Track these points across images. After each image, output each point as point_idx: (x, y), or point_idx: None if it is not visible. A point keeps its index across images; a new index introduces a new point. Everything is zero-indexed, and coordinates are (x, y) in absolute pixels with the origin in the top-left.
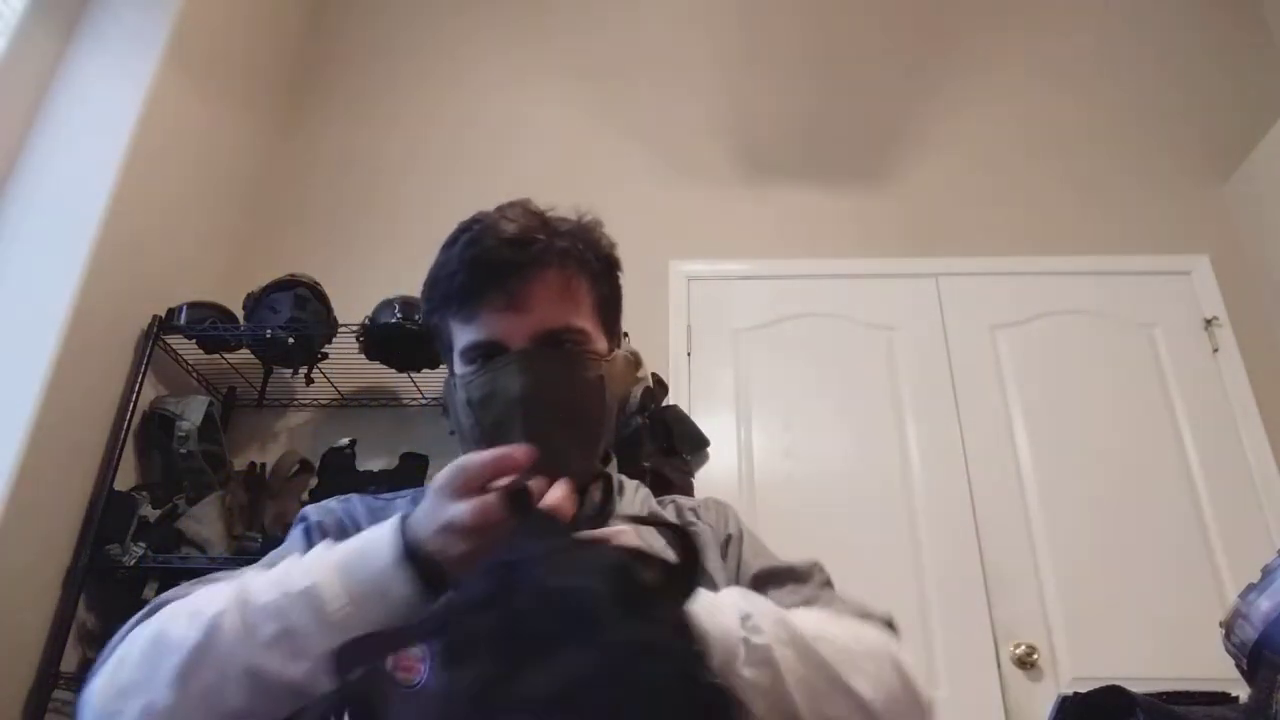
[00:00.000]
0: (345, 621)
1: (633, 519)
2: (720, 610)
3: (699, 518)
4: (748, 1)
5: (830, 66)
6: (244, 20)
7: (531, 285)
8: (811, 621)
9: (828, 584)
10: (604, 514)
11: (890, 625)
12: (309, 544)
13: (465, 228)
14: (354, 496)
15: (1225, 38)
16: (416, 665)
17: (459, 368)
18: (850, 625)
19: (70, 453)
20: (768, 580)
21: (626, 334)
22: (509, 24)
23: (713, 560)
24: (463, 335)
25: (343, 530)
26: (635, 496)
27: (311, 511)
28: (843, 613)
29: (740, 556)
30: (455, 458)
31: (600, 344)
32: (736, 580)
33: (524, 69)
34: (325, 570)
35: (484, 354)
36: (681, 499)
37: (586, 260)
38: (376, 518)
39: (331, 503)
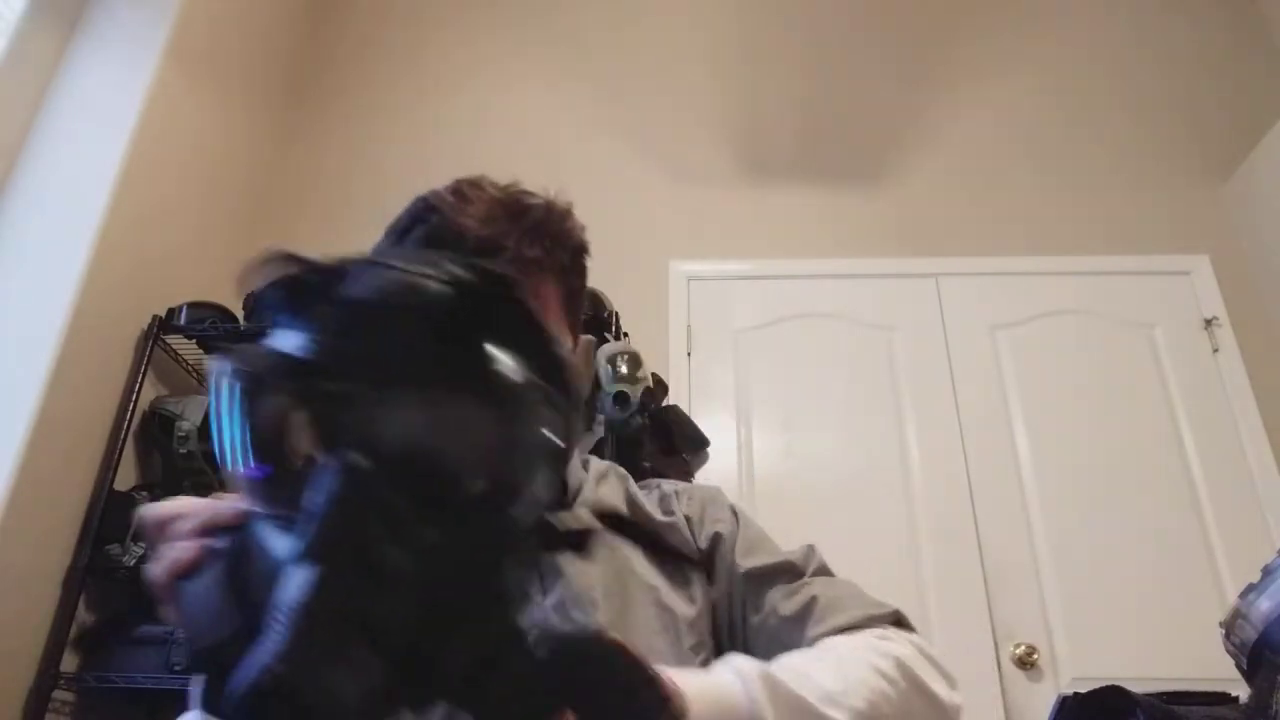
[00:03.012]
0: None
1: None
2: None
3: (675, 507)
4: (748, 2)
5: (830, 66)
6: (244, 21)
7: None
8: (813, 677)
9: (821, 570)
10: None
11: (899, 623)
12: None
13: (418, 216)
14: None
15: (1224, 38)
16: None
17: None
18: (855, 659)
19: (70, 453)
20: (760, 581)
21: (626, 334)
22: (511, 26)
23: (646, 559)
24: None
25: None
26: (603, 482)
27: None
28: (842, 636)
29: (731, 560)
30: None
31: (564, 343)
32: (729, 583)
33: (526, 71)
34: None
35: None
36: (666, 484)
37: (556, 259)
38: None
39: None
